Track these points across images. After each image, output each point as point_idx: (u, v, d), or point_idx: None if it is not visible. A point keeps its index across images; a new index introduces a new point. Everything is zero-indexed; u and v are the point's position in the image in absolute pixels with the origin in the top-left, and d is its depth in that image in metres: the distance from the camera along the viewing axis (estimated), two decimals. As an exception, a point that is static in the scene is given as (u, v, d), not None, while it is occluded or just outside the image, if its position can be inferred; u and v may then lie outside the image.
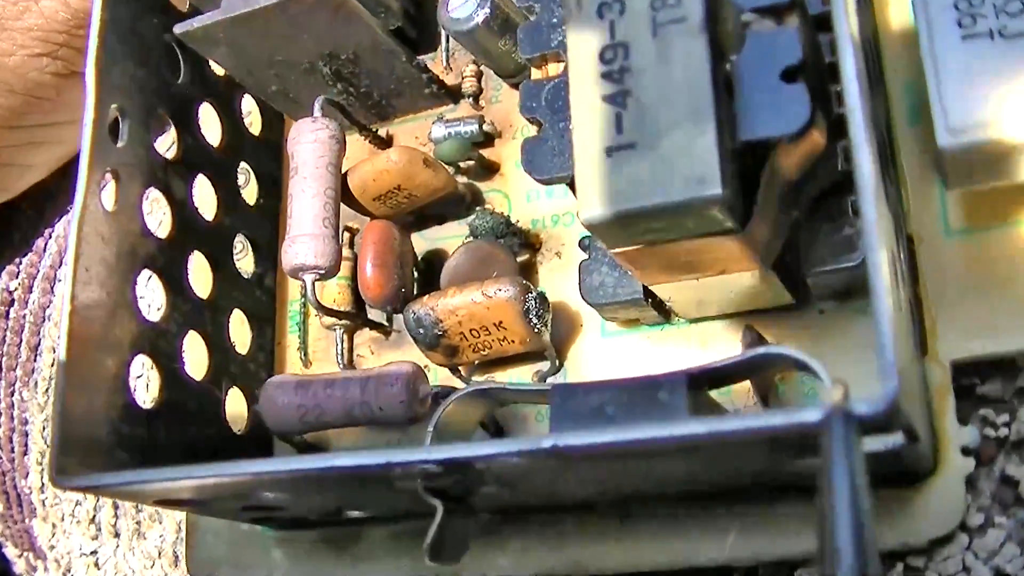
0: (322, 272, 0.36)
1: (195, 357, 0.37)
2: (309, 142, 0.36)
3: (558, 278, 0.37)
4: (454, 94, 0.40)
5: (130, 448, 0.34)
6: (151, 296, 0.40)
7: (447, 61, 0.41)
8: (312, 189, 0.36)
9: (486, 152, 0.39)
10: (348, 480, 0.30)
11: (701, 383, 0.29)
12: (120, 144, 0.35)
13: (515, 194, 0.39)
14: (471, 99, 0.40)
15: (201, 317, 0.37)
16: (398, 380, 0.33)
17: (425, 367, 0.36)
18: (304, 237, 0.35)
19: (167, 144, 0.38)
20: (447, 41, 0.41)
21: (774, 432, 0.24)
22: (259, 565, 0.39)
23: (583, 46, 0.29)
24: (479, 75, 0.40)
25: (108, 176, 0.34)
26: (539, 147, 0.30)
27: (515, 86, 0.40)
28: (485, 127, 0.39)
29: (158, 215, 0.39)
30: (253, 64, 0.38)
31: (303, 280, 0.36)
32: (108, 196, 0.34)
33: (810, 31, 0.30)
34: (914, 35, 0.30)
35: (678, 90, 0.28)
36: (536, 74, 0.32)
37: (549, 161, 0.30)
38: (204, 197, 0.38)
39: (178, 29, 0.36)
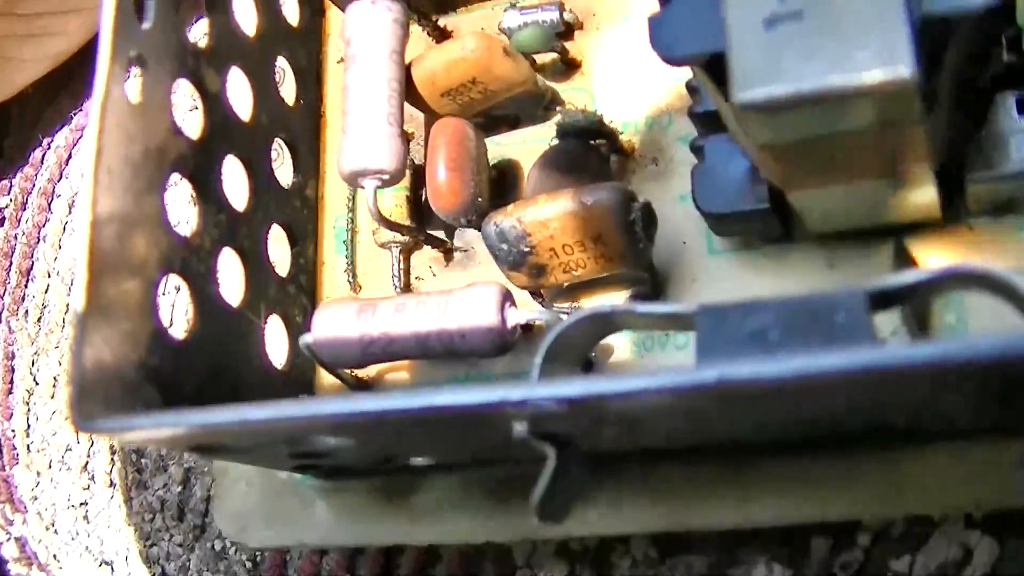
0: (386, 178, 0.30)
1: (230, 279, 0.32)
2: (369, 26, 0.31)
3: (654, 188, 0.32)
4: (526, -23, 0.35)
5: (159, 383, 0.28)
6: (179, 209, 0.34)
7: (516, -61, 0.35)
8: (373, 80, 0.30)
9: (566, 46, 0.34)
10: (439, 423, 0.24)
11: (877, 305, 0.23)
12: (146, 25, 0.29)
13: (601, 93, 0.34)
14: (546, -17, 0.34)
15: (236, 232, 0.32)
16: (487, 302, 0.28)
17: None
18: (365, 136, 0.30)
19: (198, 31, 0.32)
20: (515, -84, 0.35)
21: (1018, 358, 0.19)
22: (299, 520, 0.34)
23: None
24: (555, -45, 0.35)
25: (133, 63, 0.29)
26: (671, 20, 0.25)
27: (598, -32, 0.34)
28: (565, 15, 0.33)
29: (187, 113, 0.33)
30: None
31: (363, 187, 0.30)
32: (133, 86, 0.29)
33: None
34: None
35: (853, -52, 0.23)
36: (659, -63, 0.27)
37: (682, 37, 0.25)
38: (239, 93, 0.33)
39: None
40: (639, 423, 0.25)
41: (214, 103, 0.32)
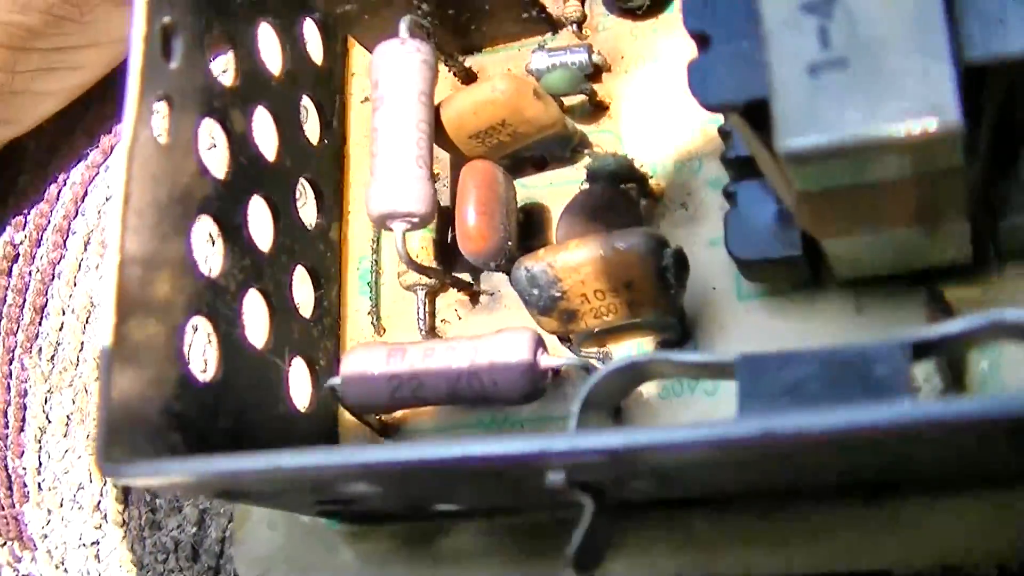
0: (415, 220, 0.30)
1: (254, 322, 0.31)
2: (398, 67, 0.31)
3: (683, 233, 0.32)
4: (553, 21, 0.34)
5: (184, 429, 0.28)
6: (204, 249, 0.34)
7: (545, -18, 0.35)
8: (402, 123, 0.30)
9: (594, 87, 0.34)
10: (473, 472, 0.24)
11: (920, 355, 0.23)
12: (173, 65, 0.29)
13: (629, 136, 0.33)
14: (574, 26, 0.34)
15: (261, 273, 0.32)
16: (521, 347, 0.28)
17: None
18: (394, 179, 0.30)
19: (223, 70, 0.32)
20: (544, -41, 0.35)
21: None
22: (323, 565, 0.33)
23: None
24: (583, -1, 0.34)
25: (161, 103, 0.28)
26: (710, 66, 0.25)
27: (624, 12, 0.34)
28: (594, 58, 0.33)
29: (212, 153, 0.33)
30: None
31: (392, 230, 0.30)
32: (160, 127, 0.28)
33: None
34: None
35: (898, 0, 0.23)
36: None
37: (723, 83, 0.24)
38: (263, 133, 0.33)
39: (243, -71, 0.31)
40: (672, 474, 0.25)
41: (240, 143, 0.31)
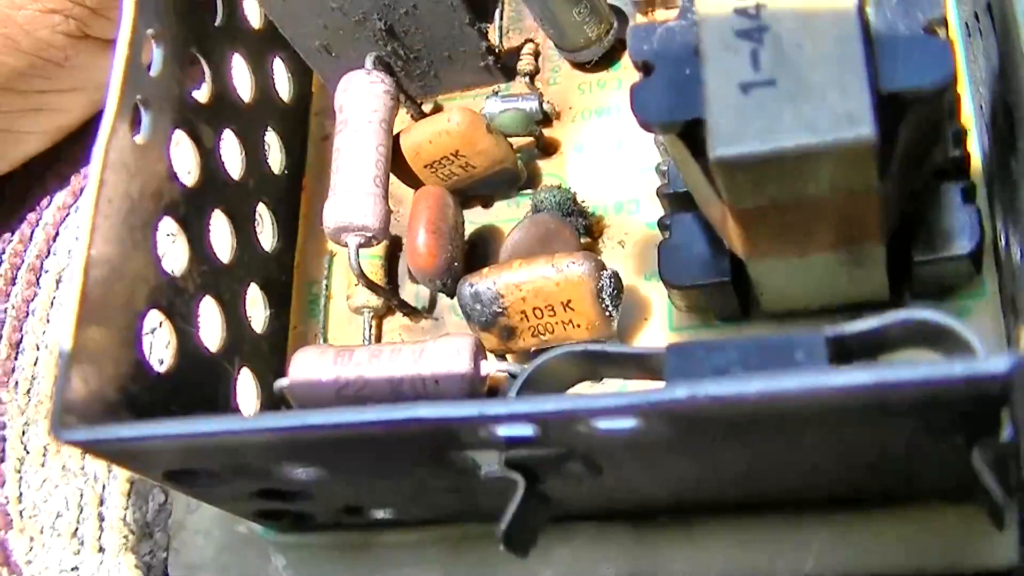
0: (369, 234, 0.32)
1: (209, 326, 0.33)
2: (362, 95, 0.33)
3: (621, 268, 0.34)
4: (508, 71, 0.37)
5: (136, 411, 0.29)
6: (169, 251, 0.35)
7: (500, 38, 0.38)
8: (364, 143, 0.32)
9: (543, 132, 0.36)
10: (412, 445, 0.25)
11: (835, 348, 0.25)
12: (153, 74, 0.31)
13: (573, 179, 0.36)
14: (527, 78, 0.37)
15: (218, 282, 0.33)
16: (461, 352, 0.29)
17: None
18: (352, 194, 0.32)
19: (198, 88, 0.34)
20: (501, 18, 0.38)
21: (953, 383, 0.21)
22: (255, 573, 0.34)
23: (712, -21, 0.26)
24: (536, 54, 0.37)
25: (140, 105, 0.30)
26: (651, 89, 0.27)
27: (576, 65, 0.37)
28: (544, 106, 0.36)
29: (182, 164, 0.35)
30: (303, 9, 0.35)
31: (346, 244, 0.32)
32: (137, 126, 0.30)
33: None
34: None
35: (822, 28, 0.25)
36: (640, 19, 0.29)
37: (662, 104, 0.27)
38: (230, 154, 0.34)
39: (228, -38, 0.33)
40: (605, 460, 0.26)
41: (208, 157, 0.33)
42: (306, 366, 0.31)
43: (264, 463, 0.27)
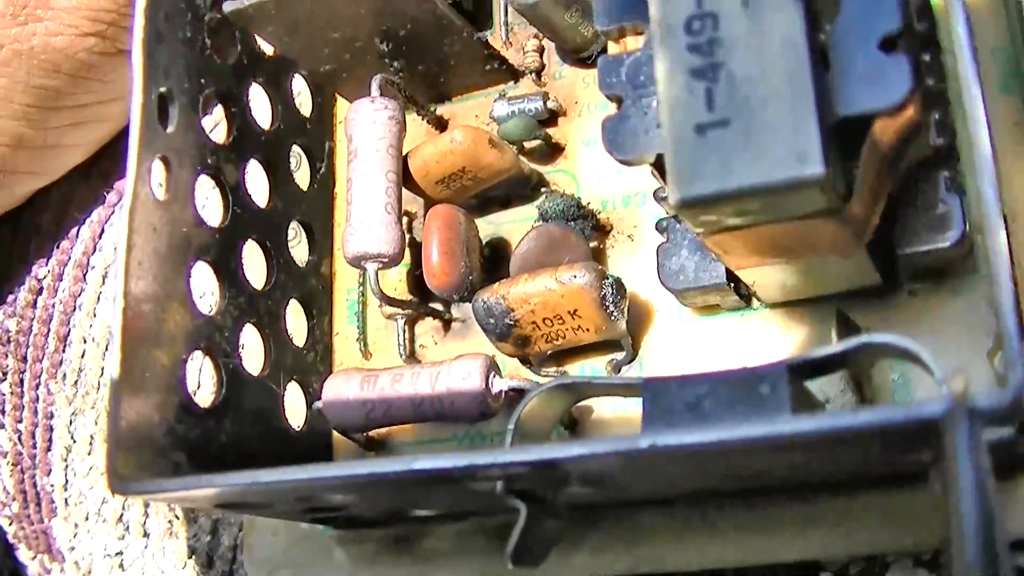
0: (385, 261, 0.34)
1: (252, 351, 0.35)
2: (368, 123, 0.35)
3: (630, 262, 0.35)
4: (514, 71, 0.38)
5: (187, 449, 0.32)
6: (204, 288, 0.38)
7: (506, 36, 0.39)
8: (373, 173, 0.34)
9: (551, 131, 0.37)
10: (423, 482, 0.28)
11: (802, 374, 0.27)
12: (170, 129, 0.33)
13: (583, 174, 0.37)
14: (533, 75, 0.38)
15: (256, 309, 0.36)
16: (472, 373, 0.32)
17: (493, 357, 0.34)
18: (366, 224, 0.34)
19: (217, 128, 0.36)
20: (506, 15, 0.39)
21: (891, 427, 0.22)
22: (320, 565, 0.37)
23: (668, 15, 0.27)
24: (541, 50, 0.38)
25: (158, 163, 0.32)
26: (621, 125, 0.28)
27: (578, 62, 0.38)
28: (549, 104, 0.37)
29: (209, 203, 0.37)
30: (305, 43, 0.36)
31: (365, 269, 0.34)
32: (158, 184, 0.32)
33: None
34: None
35: (773, 63, 0.26)
36: (613, 48, 0.30)
37: (632, 140, 0.28)
38: (256, 182, 0.37)
39: (227, 7, 0.35)
40: (603, 479, 0.28)
41: (233, 194, 0.35)
42: (337, 391, 0.33)
43: (300, 497, 0.30)
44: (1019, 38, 0.32)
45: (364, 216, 0.34)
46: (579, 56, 0.37)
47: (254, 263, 0.36)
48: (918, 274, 0.32)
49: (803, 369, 0.26)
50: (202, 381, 0.40)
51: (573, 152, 0.37)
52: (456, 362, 0.32)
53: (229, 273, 0.35)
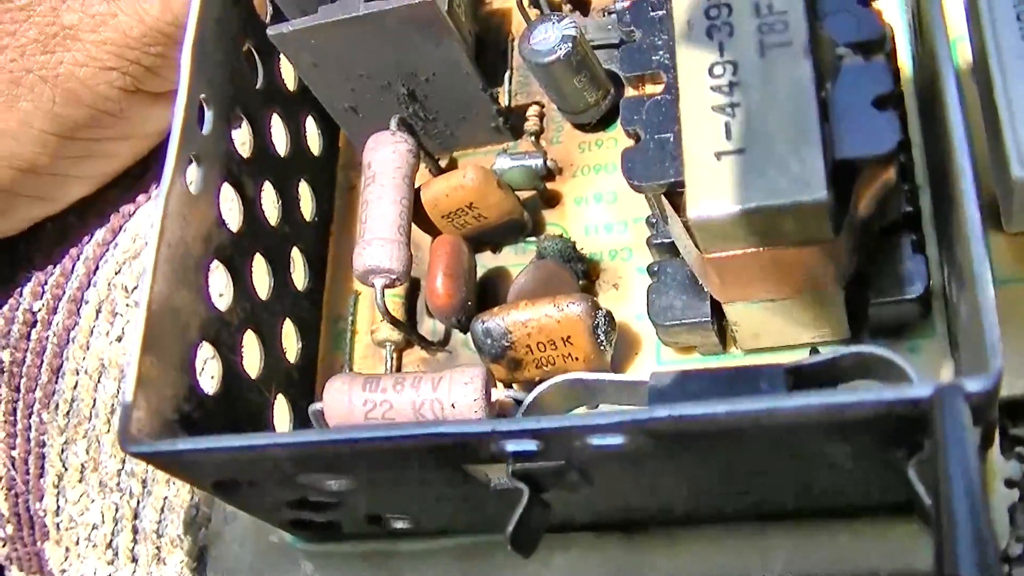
0: (394, 276, 0.36)
1: (250, 356, 0.37)
2: (388, 152, 0.37)
3: (614, 309, 0.38)
4: (516, 130, 0.41)
5: (188, 428, 0.33)
6: (216, 287, 0.40)
7: (509, 100, 0.42)
8: (389, 196, 0.37)
9: (547, 186, 0.40)
10: (434, 458, 0.30)
11: (796, 378, 0.29)
12: (205, 132, 0.35)
13: (573, 228, 0.40)
14: (533, 137, 0.41)
15: (258, 317, 0.37)
16: (474, 379, 0.34)
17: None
18: (379, 241, 0.36)
19: (241, 143, 0.38)
20: (511, 82, 0.42)
21: (885, 405, 0.25)
22: (286, 577, 0.38)
23: (693, 62, 0.31)
24: (541, 115, 0.41)
25: (193, 161, 0.35)
26: (639, 155, 0.31)
27: (577, 126, 0.41)
28: (548, 163, 0.40)
29: (228, 210, 0.39)
30: (333, 75, 0.39)
31: (373, 284, 0.36)
32: (191, 180, 0.35)
33: (895, 65, 0.33)
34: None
35: (784, 106, 0.30)
36: (631, 92, 0.33)
37: (649, 168, 0.31)
38: (268, 202, 0.39)
39: (271, 31, 0.37)
40: (598, 473, 0.30)
41: (250, 206, 0.38)
42: (338, 392, 0.35)
43: (299, 474, 0.32)
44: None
45: (377, 234, 0.36)
46: (578, 121, 0.41)
47: (260, 278, 0.38)
48: (880, 330, 0.35)
49: (797, 372, 0.29)
50: (204, 376, 0.42)
51: (564, 208, 0.40)
52: (457, 370, 0.34)
53: (240, 277, 0.37)
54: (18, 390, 0.49)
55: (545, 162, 0.40)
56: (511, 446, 0.28)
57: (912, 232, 0.34)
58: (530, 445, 0.28)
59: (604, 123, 0.41)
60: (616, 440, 0.28)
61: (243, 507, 0.35)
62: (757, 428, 0.26)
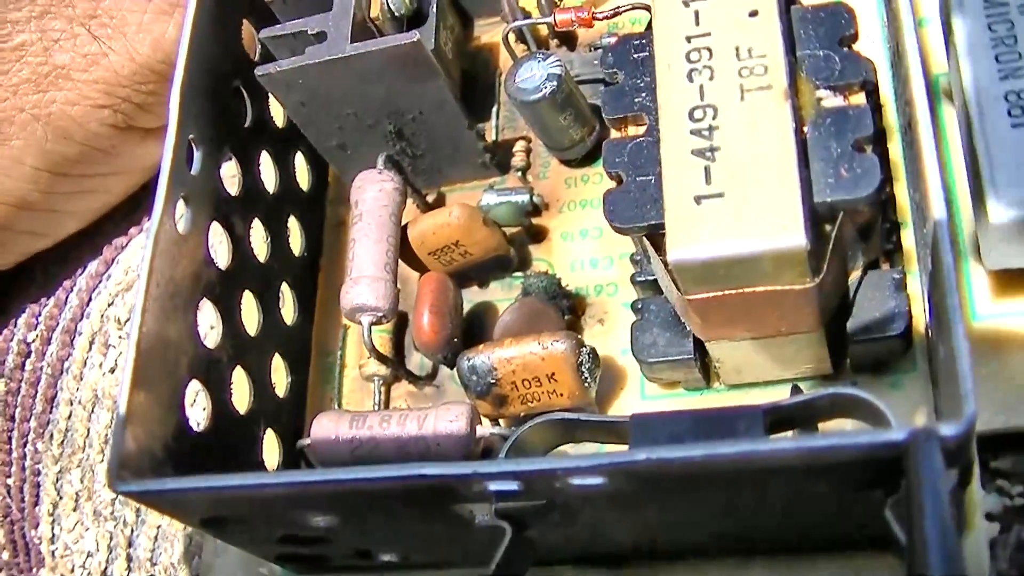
0: (380, 314, 0.37)
1: (239, 392, 0.37)
2: (375, 191, 0.38)
3: (599, 343, 0.38)
4: (503, 166, 0.42)
5: (177, 466, 0.34)
6: (205, 325, 0.40)
7: (496, 136, 0.43)
8: (375, 235, 0.37)
9: (533, 222, 0.41)
10: (418, 498, 0.30)
11: (774, 419, 0.30)
12: (193, 172, 0.36)
13: (559, 264, 0.40)
14: (519, 173, 0.42)
15: (247, 353, 0.38)
16: (460, 416, 0.34)
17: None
18: (366, 279, 0.36)
19: (230, 177, 0.39)
20: (498, 117, 0.43)
21: (860, 450, 0.25)
22: (274, 610, 0.39)
23: (674, 104, 0.31)
24: (528, 151, 0.42)
25: (181, 201, 0.35)
26: (621, 197, 0.32)
27: (563, 162, 0.42)
28: (535, 199, 0.41)
29: (217, 248, 0.39)
30: (321, 114, 0.40)
31: (360, 322, 0.37)
32: (180, 218, 0.35)
33: (877, 100, 0.33)
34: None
35: (764, 150, 0.30)
36: (615, 134, 0.34)
37: (630, 211, 0.32)
38: (257, 239, 0.39)
39: (259, 72, 0.38)
40: (579, 513, 0.31)
41: (239, 244, 0.38)
42: (325, 428, 0.35)
43: (286, 512, 0.32)
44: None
45: (364, 272, 0.36)
46: (564, 158, 0.41)
47: (249, 314, 0.39)
48: (862, 366, 0.35)
49: (775, 414, 0.29)
50: (194, 410, 0.42)
51: (551, 243, 0.41)
52: (443, 407, 0.35)
53: (229, 314, 0.37)
54: (13, 419, 0.49)
55: (531, 198, 0.40)
56: (493, 486, 0.29)
57: (892, 269, 0.34)
58: (512, 485, 0.29)
59: (590, 158, 0.41)
60: (596, 481, 0.28)
61: (232, 542, 0.36)
62: (735, 471, 0.27)
